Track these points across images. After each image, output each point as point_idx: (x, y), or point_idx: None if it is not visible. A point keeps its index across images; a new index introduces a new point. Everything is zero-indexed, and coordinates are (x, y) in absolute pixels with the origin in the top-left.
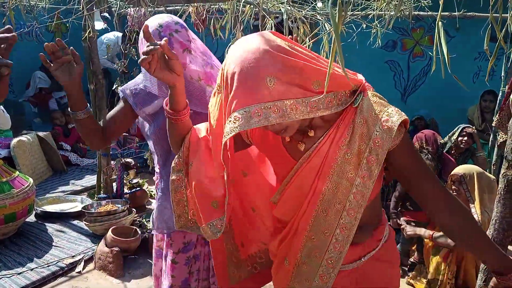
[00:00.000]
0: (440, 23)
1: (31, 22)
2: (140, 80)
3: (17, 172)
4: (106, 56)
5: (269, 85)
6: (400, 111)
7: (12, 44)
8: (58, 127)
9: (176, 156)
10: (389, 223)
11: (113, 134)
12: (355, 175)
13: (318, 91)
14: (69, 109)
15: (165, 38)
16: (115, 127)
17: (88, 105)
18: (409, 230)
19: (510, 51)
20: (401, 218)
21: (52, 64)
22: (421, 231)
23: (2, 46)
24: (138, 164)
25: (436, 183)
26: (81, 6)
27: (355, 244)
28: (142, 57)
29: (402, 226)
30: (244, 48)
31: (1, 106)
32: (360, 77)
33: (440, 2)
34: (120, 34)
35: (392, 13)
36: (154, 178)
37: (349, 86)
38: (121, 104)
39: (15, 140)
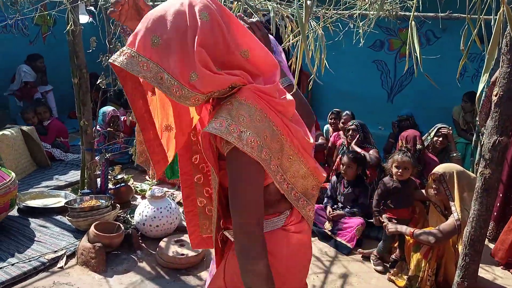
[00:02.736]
0: (413, 23)
1: (14, 14)
2: None
3: (0, 166)
4: None
5: (152, 41)
6: (223, 124)
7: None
8: (32, 127)
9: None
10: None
11: None
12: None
13: (191, 84)
14: None
15: None
16: None
17: None
18: (391, 227)
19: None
20: (383, 216)
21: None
22: (402, 228)
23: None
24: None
25: (238, 200)
26: None
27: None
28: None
29: (384, 223)
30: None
31: None
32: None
33: (413, 3)
34: None
35: (379, 13)
36: None
37: (224, 86)
38: None
39: None
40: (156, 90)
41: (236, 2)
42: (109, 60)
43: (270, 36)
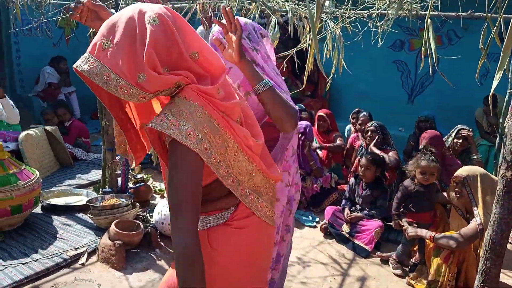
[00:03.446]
0: (429, 21)
1: (39, 17)
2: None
3: (24, 165)
4: None
5: (103, 44)
6: (164, 119)
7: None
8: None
9: None
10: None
11: None
12: None
13: (139, 84)
14: None
15: None
16: None
17: None
18: (411, 231)
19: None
20: (403, 219)
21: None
22: (423, 232)
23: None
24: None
25: (172, 188)
26: None
27: None
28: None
29: (404, 227)
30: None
31: (11, 101)
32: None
33: (429, 2)
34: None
35: (398, 12)
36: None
37: (169, 85)
38: None
39: (23, 134)
40: None
41: (254, 3)
42: (73, 66)
43: (254, 24)
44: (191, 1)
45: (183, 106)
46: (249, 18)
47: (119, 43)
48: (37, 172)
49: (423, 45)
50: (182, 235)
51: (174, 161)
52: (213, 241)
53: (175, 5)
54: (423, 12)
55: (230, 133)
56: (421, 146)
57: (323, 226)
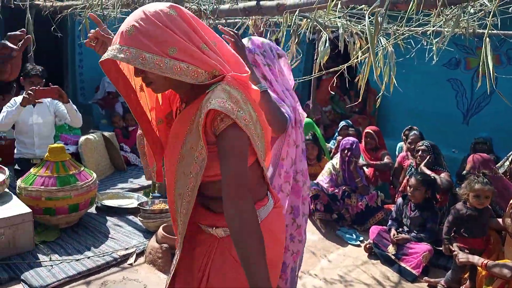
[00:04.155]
0: (487, 40)
1: None
2: None
3: (83, 167)
4: None
5: (128, 32)
6: (225, 103)
7: (24, 41)
8: (118, 129)
9: None
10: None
11: None
12: (195, 150)
13: (173, 56)
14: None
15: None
16: None
17: None
18: (462, 256)
19: None
20: (454, 244)
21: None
22: (475, 258)
23: (19, 43)
24: None
25: (234, 171)
26: None
27: (209, 210)
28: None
29: (454, 252)
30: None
31: (74, 106)
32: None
33: (487, 21)
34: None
35: (454, 30)
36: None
37: (208, 67)
38: None
39: (83, 138)
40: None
41: (305, 19)
42: (99, 61)
43: (272, 44)
44: (243, 17)
45: (233, 93)
46: (299, 34)
47: (140, 26)
48: (94, 174)
49: (480, 64)
50: (249, 215)
51: (232, 145)
52: (271, 226)
53: (227, 21)
54: (481, 31)
55: (260, 117)
56: (464, 172)
57: (367, 245)
